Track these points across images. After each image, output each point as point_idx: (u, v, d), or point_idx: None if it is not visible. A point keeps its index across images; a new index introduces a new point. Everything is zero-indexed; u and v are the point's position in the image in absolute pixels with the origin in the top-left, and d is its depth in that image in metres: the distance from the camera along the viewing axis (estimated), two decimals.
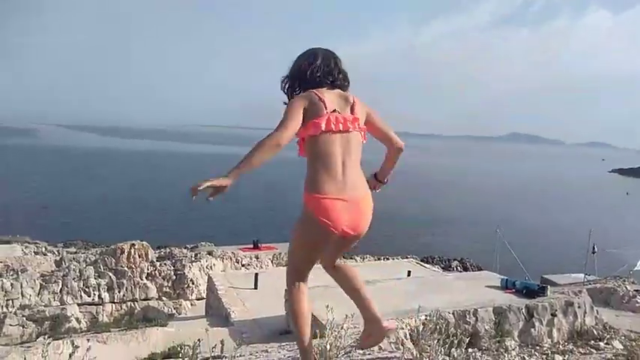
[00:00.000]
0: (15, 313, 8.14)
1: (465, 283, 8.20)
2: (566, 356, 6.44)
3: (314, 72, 2.52)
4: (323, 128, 2.36)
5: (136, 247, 10.65)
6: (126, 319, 9.42)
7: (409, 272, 10.14)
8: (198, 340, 3.17)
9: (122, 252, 10.49)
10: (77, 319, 8.74)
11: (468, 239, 37.68)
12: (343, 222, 2.33)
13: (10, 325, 7.94)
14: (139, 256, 10.59)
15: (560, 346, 6.76)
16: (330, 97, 2.46)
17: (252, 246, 18.34)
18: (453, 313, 6.64)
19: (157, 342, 6.34)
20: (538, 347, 6.75)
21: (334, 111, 2.43)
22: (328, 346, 3.81)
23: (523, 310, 6.91)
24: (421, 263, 12.03)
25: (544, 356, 6.42)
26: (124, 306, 10.13)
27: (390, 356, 3.22)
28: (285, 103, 2.43)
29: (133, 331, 6.68)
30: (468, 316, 6.68)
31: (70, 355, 3.68)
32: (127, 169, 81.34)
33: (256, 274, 9.57)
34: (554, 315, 7.02)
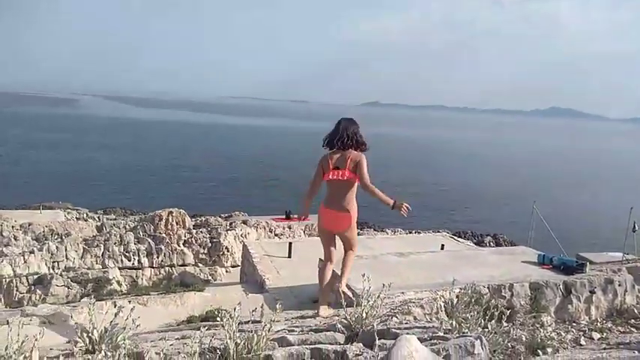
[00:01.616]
0: (61, 275, 8.51)
1: (500, 257, 8.10)
2: (605, 334, 6.32)
3: (332, 140, 4.55)
4: (327, 179, 4.55)
5: (174, 214, 10.92)
6: (164, 283, 9.74)
7: (442, 246, 10.06)
8: (239, 303, 3.25)
9: (160, 219, 10.78)
10: (118, 282, 9.09)
11: (501, 214, 37.11)
12: (324, 221, 4.68)
13: (57, 285, 8.32)
14: (177, 223, 10.87)
15: (599, 324, 6.63)
16: (335, 157, 4.52)
17: (284, 216, 18.56)
18: (488, 287, 6.58)
19: (194, 306, 6.53)
20: (575, 324, 6.64)
21: (337, 167, 4.51)
22: (364, 314, 3.86)
23: (561, 287, 6.78)
24: (454, 237, 11.91)
25: (581, 333, 6.31)
26: (162, 271, 10.47)
27: (427, 326, 3.22)
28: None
29: (172, 294, 6.89)
30: (503, 291, 6.61)
31: (115, 315, 3.83)
32: (164, 140, 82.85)
33: (290, 243, 9.70)
34: (592, 292, 6.87)
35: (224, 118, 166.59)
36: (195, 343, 3.28)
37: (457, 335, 2.75)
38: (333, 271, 4.98)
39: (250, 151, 71.21)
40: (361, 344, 2.78)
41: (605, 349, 5.79)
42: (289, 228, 16.22)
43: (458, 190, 48.00)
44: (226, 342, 2.92)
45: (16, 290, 8.33)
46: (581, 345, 6.00)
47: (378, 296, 3.98)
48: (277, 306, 3.69)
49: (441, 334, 2.79)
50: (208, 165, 56.30)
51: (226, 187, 44.27)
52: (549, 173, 62.77)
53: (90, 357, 3.21)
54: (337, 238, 4.83)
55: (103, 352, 3.28)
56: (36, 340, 3.61)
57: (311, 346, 2.75)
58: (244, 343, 2.94)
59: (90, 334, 3.55)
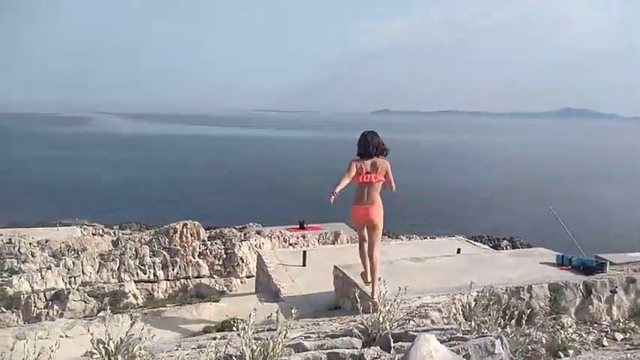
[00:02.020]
0: (77, 290, 8.57)
1: (517, 259, 7.99)
2: (628, 334, 6.19)
3: (361, 149, 5.84)
4: (360, 181, 5.78)
5: (188, 226, 10.97)
6: (180, 295, 9.77)
7: (459, 250, 9.96)
8: (254, 309, 3.24)
9: (175, 232, 10.83)
10: (134, 296, 9.12)
11: (517, 218, 36.66)
12: (359, 216, 5.97)
13: (74, 300, 8.38)
14: (191, 235, 10.91)
15: (621, 324, 6.48)
16: (366, 164, 5.79)
17: (298, 226, 18.55)
18: (506, 290, 6.48)
19: (210, 316, 6.52)
20: (596, 325, 6.50)
21: (368, 172, 5.79)
22: (381, 319, 3.82)
23: (581, 287, 6.66)
24: (471, 241, 11.77)
25: (603, 334, 6.18)
26: (177, 283, 10.49)
27: (445, 328, 3.17)
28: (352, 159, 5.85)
29: (187, 306, 6.89)
30: (521, 293, 6.51)
31: (131, 325, 3.83)
32: (175, 154, 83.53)
33: (304, 252, 9.66)
34: (614, 292, 6.73)
35: (235, 131, 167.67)
36: (211, 351, 3.26)
37: (476, 336, 2.70)
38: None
39: (263, 162, 71.53)
40: (379, 347, 2.74)
41: (629, 349, 5.66)
42: (303, 237, 16.20)
43: (472, 195, 47.65)
44: (242, 349, 2.89)
45: (34, 306, 8.40)
46: (603, 346, 5.87)
47: (395, 300, 3.95)
48: (292, 311, 3.66)
49: (460, 334, 2.74)
50: (220, 177, 56.62)
51: (239, 198, 44.45)
52: (565, 176, 62.06)
53: None
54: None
55: None
56: (52, 351, 3.62)
57: (327, 351, 2.72)
58: (260, 350, 2.91)
59: (106, 345, 3.55)
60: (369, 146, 5.79)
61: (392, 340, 2.89)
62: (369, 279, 6.16)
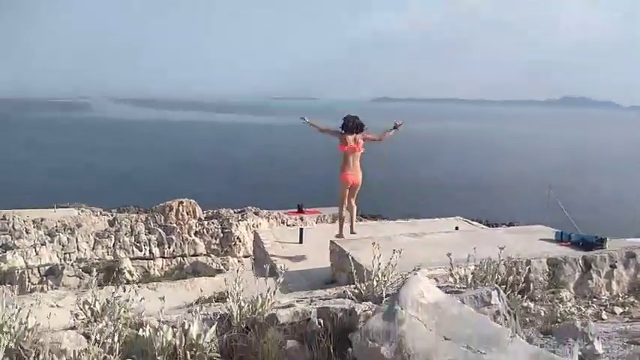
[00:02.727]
0: (72, 265, 8.49)
1: (516, 236, 7.88)
2: (627, 308, 6.10)
3: (345, 126, 7.61)
4: (345, 149, 7.60)
5: (184, 204, 10.86)
6: (176, 273, 9.69)
7: (457, 227, 9.86)
8: (245, 280, 3.15)
9: (171, 209, 10.73)
10: (130, 272, 9.04)
11: (516, 203, 36.60)
12: (350, 180, 7.70)
13: (68, 275, 8.30)
14: (187, 213, 10.81)
15: (620, 299, 6.40)
16: (350, 137, 7.58)
17: (296, 210, 18.48)
18: (504, 264, 6.38)
19: (205, 290, 6.44)
20: (595, 299, 6.41)
21: (351, 144, 7.56)
22: (375, 283, 3.73)
23: (580, 262, 6.55)
24: (469, 221, 11.68)
25: (602, 308, 6.09)
26: (173, 261, 10.42)
27: (441, 285, 3.07)
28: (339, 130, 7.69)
29: (182, 280, 6.81)
30: (520, 267, 6.40)
31: (125, 290, 3.72)
32: (173, 140, 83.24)
33: (301, 229, 9.58)
34: (613, 267, 6.63)
35: (231, 117, 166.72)
36: (201, 312, 3.16)
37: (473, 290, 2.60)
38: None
39: (261, 149, 71.28)
40: (370, 302, 2.64)
41: (627, 322, 5.58)
42: (301, 220, 16.12)
43: (471, 181, 47.53)
44: (230, 306, 2.80)
45: (28, 281, 8.33)
46: (602, 319, 5.79)
47: (389, 263, 3.86)
48: (279, 277, 3.57)
49: (456, 289, 2.64)
50: (219, 163, 56.45)
51: (238, 184, 44.34)
52: (564, 163, 61.87)
53: (91, 327, 3.11)
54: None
55: (104, 322, 3.18)
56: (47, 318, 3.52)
57: (318, 306, 2.62)
58: (249, 307, 2.82)
59: (92, 306, 3.45)
60: (351, 123, 7.65)
61: (384, 299, 2.79)
62: (353, 224, 8.21)
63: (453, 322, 1.74)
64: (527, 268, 6.41)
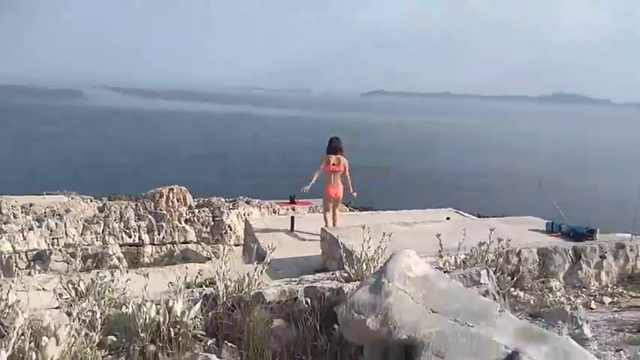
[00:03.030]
0: (60, 251, 8.40)
1: (507, 226, 7.86)
2: (616, 298, 6.13)
3: (329, 148, 8.99)
4: (329, 169, 8.89)
5: (174, 191, 10.77)
6: (165, 260, 9.62)
7: (448, 218, 9.86)
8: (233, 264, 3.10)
9: (161, 196, 10.63)
10: (119, 258, 8.95)
11: (507, 198, 36.77)
12: (332, 194, 8.97)
13: (56, 261, 8.21)
14: (177, 200, 10.72)
15: (609, 289, 6.43)
16: (333, 158, 8.88)
17: (288, 201, 18.42)
18: (495, 253, 6.39)
19: (194, 275, 6.38)
20: (585, 289, 6.44)
21: (334, 164, 8.87)
22: (364, 266, 3.71)
23: (570, 252, 6.58)
24: (461, 212, 11.68)
25: (591, 297, 6.12)
26: (163, 248, 10.35)
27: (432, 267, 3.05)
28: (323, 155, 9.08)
29: (172, 266, 6.75)
30: (510, 256, 6.42)
31: (112, 274, 3.65)
32: (167, 130, 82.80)
33: (292, 217, 9.55)
34: (603, 257, 6.66)
35: (224, 108, 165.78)
36: (186, 291, 3.11)
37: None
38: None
39: (254, 141, 71.07)
40: (358, 282, 2.60)
41: (616, 311, 5.61)
42: (293, 210, 16.06)
43: (463, 176, 47.67)
44: (217, 285, 2.75)
45: (16, 266, 8.23)
46: (591, 309, 5.82)
47: (379, 247, 3.84)
48: (267, 259, 3.52)
49: (446, 269, 2.60)
50: (211, 154, 56.22)
51: (230, 174, 44.17)
52: (556, 160, 62.17)
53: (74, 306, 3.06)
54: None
55: (87, 300, 3.12)
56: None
57: (305, 285, 2.58)
58: (235, 285, 2.77)
59: (76, 285, 3.40)
60: (335, 147, 9.01)
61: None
62: (335, 222, 9.16)
63: (440, 296, 1.71)
64: (518, 258, 6.44)
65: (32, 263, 8.25)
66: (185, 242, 10.79)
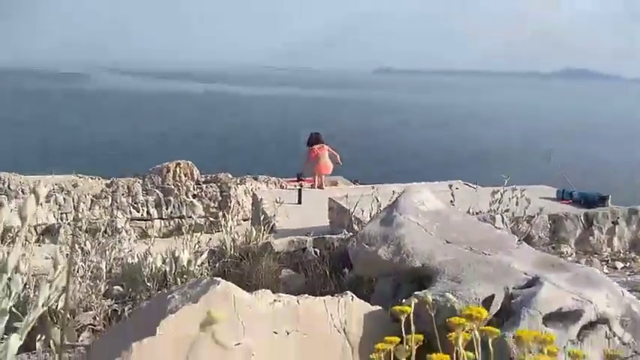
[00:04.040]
0: (68, 224, 8.42)
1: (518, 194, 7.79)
2: (628, 263, 6.08)
3: (312, 140, 11.64)
4: (314, 154, 11.44)
5: (181, 166, 10.74)
6: (174, 234, 9.63)
7: (450, 185, 9.77)
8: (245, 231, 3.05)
9: (168, 171, 10.61)
10: (127, 232, 8.95)
11: (519, 172, 36.46)
12: (323, 170, 11.57)
13: (65, 234, 8.24)
14: (185, 175, 10.69)
15: (622, 254, 6.37)
16: (315, 146, 11.50)
17: (296, 179, 18.45)
18: (502, 219, 6.33)
19: (201, 242, 6.37)
20: (597, 255, 6.39)
21: (317, 148, 11.47)
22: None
23: (581, 218, 6.49)
24: (469, 184, 11.58)
25: (603, 263, 6.06)
26: (171, 222, 10.35)
27: None
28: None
29: (178, 236, 6.73)
30: (520, 222, 6.35)
31: (119, 241, 3.62)
32: (172, 110, 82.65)
33: (299, 189, 9.54)
34: (615, 223, 6.58)
35: (228, 88, 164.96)
36: (194, 245, 3.07)
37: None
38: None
39: (259, 120, 70.85)
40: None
41: (629, 275, 5.54)
42: (300, 186, 16.05)
43: (474, 150, 47.37)
44: (223, 238, 2.70)
45: (25, 240, 8.25)
46: (605, 273, 5.77)
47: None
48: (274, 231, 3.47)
49: None
50: (217, 134, 56.14)
51: (236, 154, 44.13)
52: (563, 136, 61.49)
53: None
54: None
55: (93, 254, 3.10)
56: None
57: (314, 237, 2.52)
58: (243, 239, 2.72)
59: (82, 246, 3.37)
60: (314, 138, 11.50)
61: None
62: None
63: (455, 228, 1.64)
64: (528, 224, 6.36)
65: (41, 237, 8.27)
66: (193, 217, 10.80)
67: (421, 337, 1.21)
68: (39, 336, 2.19)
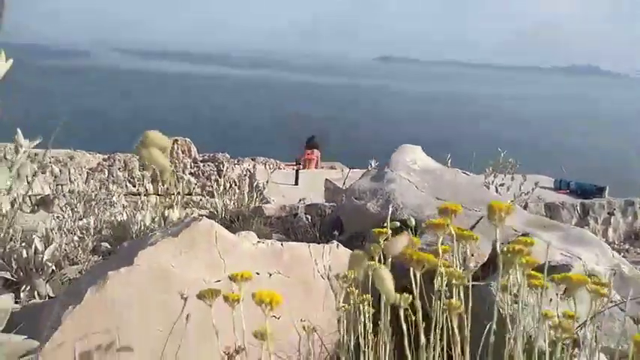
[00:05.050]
0: (64, 196, 8.37)
1: (514, 183, 7.78)
2: (623, 254, 6.09)
3: (312, 145, 12.46)
4: (307, 157, 12.39)
5: (179, 142, 10.70)
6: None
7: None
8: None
9: None
10: (123, 206, 8.93)
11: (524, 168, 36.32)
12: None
13: (59, 205, 8.19)
14: (182, 152, 10.65)
15: (616, 245, 6.39)
16: (308, 151, 12.30)
17: (294, 162, 18.43)
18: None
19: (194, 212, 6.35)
20: None
21: (307, 153, 12.27)
22: None
23: (578, 208, 6.50)
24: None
25: None
26: (167, 199, 10.28)
27: None
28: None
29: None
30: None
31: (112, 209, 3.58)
32: (174, 92, 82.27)
33: (297, 170, 9.48)
34: (611, 214, 6.59)
35: (231, 71, 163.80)
36: (185, 208, 3.03)
37: None
38: None
39: (261, 105, 70.55)
40: None
41: None
42: (298, 169, 16.02)
43: (476, 145, 47.17)
44: (215, 202, 2.68)
45: (20, 209, 8.21)
46: None
47: None
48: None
49: None
50: (218, 118, 55.95)
51: (236, 138, 43.99)
52: (566, 129, 61.36)
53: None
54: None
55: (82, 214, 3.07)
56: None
57: (307, 204, 2.49)
58: (234, 204, 2.70)
59: (74, 208, 3.34)
60: (313, 144, 12.04)
61: None
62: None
63: (447, 187, 1.62)
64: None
65: (36, 207, 8.21)
66: (189, 194, 10.76)
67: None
68: (24, 286, 2.18)
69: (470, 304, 1.09)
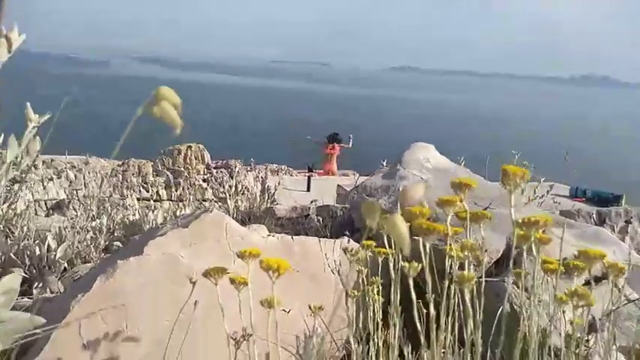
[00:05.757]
0: (78, 200, 8.45)
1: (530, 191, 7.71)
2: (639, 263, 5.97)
3: (329, 139, 13.73)
4: (328, 151, 13.78)
5: (192, 148, 10.76)
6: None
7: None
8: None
9: (179, 153, 10.64)
10: (135, 209, 9.00)
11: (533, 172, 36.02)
12: (327, 169, 13.79)
13: (74, 209, 8.28)
14: (195, 158, 10.72)
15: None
16: (329, 145, 13.78)
17: (306, 170, 18.52)
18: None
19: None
20: None
21: (331, 148, 13.74)
22: None
23: (594, 215, 6.39)
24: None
25: None
26: (180, 205, 10.34)
27: None
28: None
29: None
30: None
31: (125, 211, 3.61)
32: (200, 102, 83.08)
33: (309, 177, 9.51)
34: (628, 222, 6.47)
35: (239, 80, 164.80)
36: (198, 207, 3.04)
37: None
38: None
39: (273, 115, 70.89)
40: None
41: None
42: (310, 176, 16.07)
43: (491, 149, 46.86)
44: (227, 203, 2.68)
45: (35, 214, 8.31)
46: None
47: None
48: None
49: None
50: (229, 126, 56.28)
51: (247, 147, 44.18)
52: (579, 140, 60.69)
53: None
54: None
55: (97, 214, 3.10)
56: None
57: (318, 204, 2.48)
58: (246, 204, 2.69)
59: (89, 208, 3.37)
60: (332, 137, 13.00)
61: None
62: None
63: None
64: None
65: (51, 212, 8.31)
66: (203, 200, 10.83)
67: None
68: (36, 283, 2.20)
69: (482, 300, 1.07)
